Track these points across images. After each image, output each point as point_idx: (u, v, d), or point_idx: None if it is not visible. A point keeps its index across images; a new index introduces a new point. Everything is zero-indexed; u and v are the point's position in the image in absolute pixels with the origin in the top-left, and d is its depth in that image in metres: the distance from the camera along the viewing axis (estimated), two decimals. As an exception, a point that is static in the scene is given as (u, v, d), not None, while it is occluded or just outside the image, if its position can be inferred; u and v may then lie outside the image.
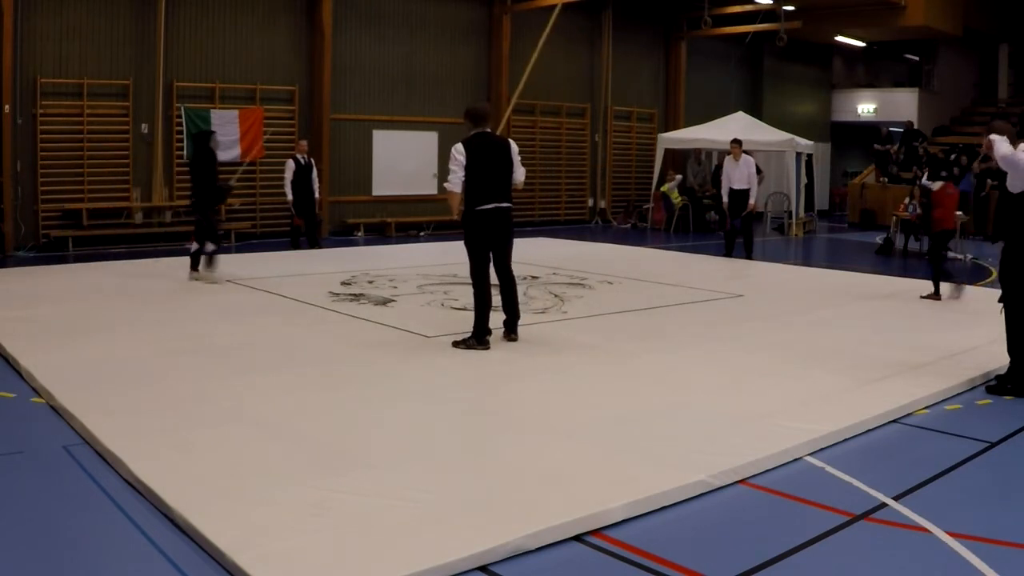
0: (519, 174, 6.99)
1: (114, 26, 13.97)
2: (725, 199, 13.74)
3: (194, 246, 10.12)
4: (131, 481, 4.12)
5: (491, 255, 6.94)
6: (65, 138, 13.63)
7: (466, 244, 6.95)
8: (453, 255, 9.86)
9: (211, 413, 5.07)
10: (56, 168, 13.53)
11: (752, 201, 13.53)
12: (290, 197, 13.61)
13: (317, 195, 13.99)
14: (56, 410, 5.23)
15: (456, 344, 6.89)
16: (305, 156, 13.89)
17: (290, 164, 13.68)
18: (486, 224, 6.79)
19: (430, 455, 4.46)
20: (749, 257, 13.44)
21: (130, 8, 14.07)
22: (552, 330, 7.80)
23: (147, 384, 5.65)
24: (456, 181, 6.71)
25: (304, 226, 13.96)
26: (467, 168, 6.69)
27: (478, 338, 6.84)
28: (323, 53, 15.88)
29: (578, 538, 3.65)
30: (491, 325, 6.91)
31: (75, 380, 5.64)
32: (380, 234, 16.68)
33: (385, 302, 8.92)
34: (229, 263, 12.07)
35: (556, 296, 9.43)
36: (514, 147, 6.94)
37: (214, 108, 14.87)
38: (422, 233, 17.22)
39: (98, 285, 9.75)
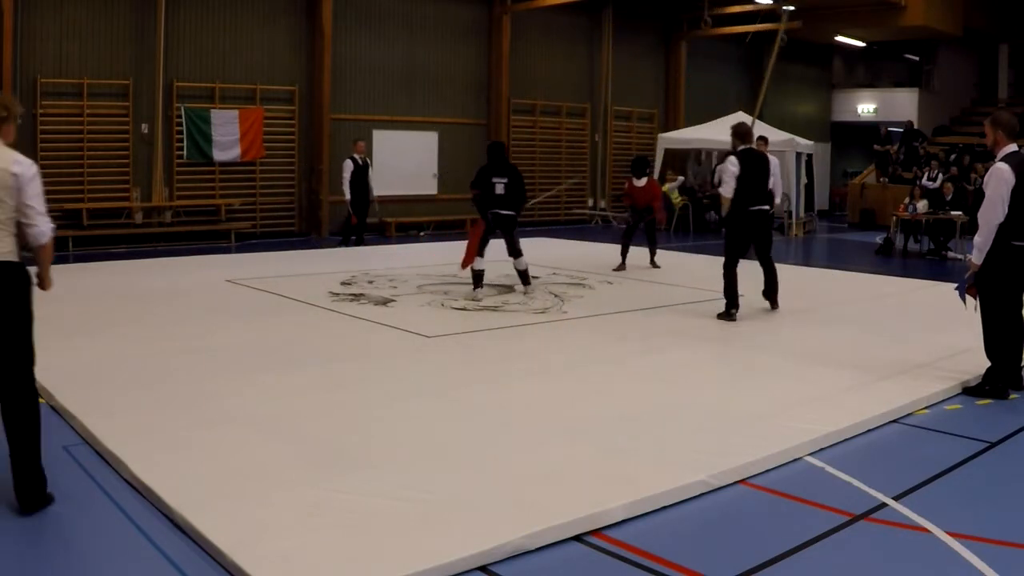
0: (778, 187, 8.71)
1: (114, 26, 13.98)
2: None
3: (523, 263, 9.51)
4: (131, 481, 4.12)
5: (754, 248, 8.46)
6: (65, 138, 13.64)
7: (729, 237, 8.38)
8: (453, 255, 9.87)
9: (211, 413, 5.07)
10: (56, 168, 13.50)
11: (777, 201, 13.37)
12: (348, 196, 14.22)
13: (374, 194, 14.71)
14: (56, 410, 5.22)
15: (721, 316, 8.25)
16: (362, 156, 14.48)
17: (348, 164, 14.26)
18: (754, 222, 8.27)
19: (430, 455, 4.45)
20: None
21: (130, 8, 14.07)
22: (552, 330, 7.80)
23: (147, 384, 5.65)
24: (729, 189, 8.11)
25: (356, 224, 14.52)
26: (739, 178, 8.06)
27: (735, 307, 8.27)
28: (323, 53, 15.89)
29: (578, 538, 3.65)
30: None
31: (75, 380, 5.64)
32: (380, 234, 16.68)
33: (385, 302, 8.92)
34: (229, 263, 12.09)
35: (556, 296, 9.43)
36: (774, 161, 8.33)
37: (214, 108, 14.87)
38: (422, 233, 17.21)
39: (98, 285, 9.75)
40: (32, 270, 3.96)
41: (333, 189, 15.79)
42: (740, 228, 8.29)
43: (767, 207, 8.37)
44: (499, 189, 9.29)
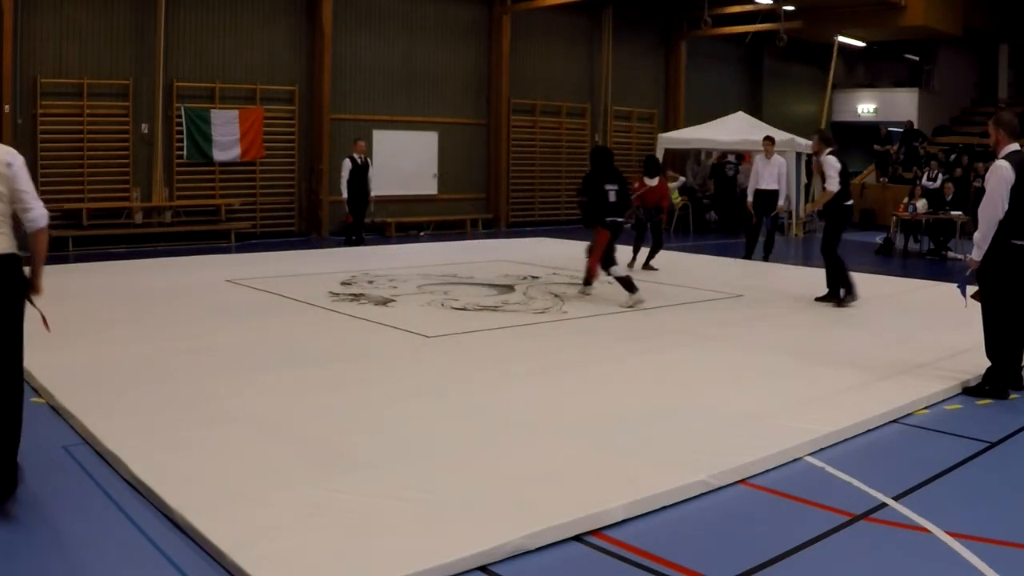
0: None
1: (114, 26, 13.97)
2: (750, 198, 13.23)
3: (623, 270, 9.33)
4: (131, 481, 4.12)
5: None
6: (65, 138, 13.62)
7: (832, 230, 9.28)
8: (453, 255, 9.86)
9: (211, 413, 5.07)
10: (56, 168, 13.51)
11: (781, 203, 13.36)
12: (345, 195, 14.39)
13: (372, 194, 14.79)
14: (56, 410, 5.23)
15: (841, 303, 9.05)
16: (362, 156, 14.58)
17: (347, 163, 14.42)
18: (850, 213, 9.44)
19: (430, 455, 4.45)
20: (767, 259, 13.28)
21: (130, 8, 14.06)
22: (552, 330, 7.80)
23: (147, 384, 5.65)
24: (835, 183, 9.04)
25: (353, 223, 14.61)
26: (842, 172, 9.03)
27: (852, 292, 9.15)
28: (323, 53, 15.88)
29: (578, 538, 3.65)
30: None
31: (75, 380, 5.64)
32: (380, 234, 16.68)
33: (385, 302, 8.92)
34: (229, 263, 12.08)
35: (556, 296, 9.43)
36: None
37: (214, 108, 14.87)
38: (422, 233, 17.21)
39: (98, 285, 9.74)
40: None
41: (333, 189, 15.78)
42: (841, 221, 9.27)
43: (852, 202, 9.47)
44: (612, 196, 9.18)
